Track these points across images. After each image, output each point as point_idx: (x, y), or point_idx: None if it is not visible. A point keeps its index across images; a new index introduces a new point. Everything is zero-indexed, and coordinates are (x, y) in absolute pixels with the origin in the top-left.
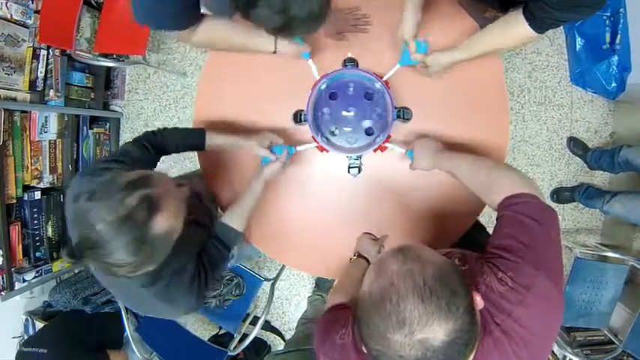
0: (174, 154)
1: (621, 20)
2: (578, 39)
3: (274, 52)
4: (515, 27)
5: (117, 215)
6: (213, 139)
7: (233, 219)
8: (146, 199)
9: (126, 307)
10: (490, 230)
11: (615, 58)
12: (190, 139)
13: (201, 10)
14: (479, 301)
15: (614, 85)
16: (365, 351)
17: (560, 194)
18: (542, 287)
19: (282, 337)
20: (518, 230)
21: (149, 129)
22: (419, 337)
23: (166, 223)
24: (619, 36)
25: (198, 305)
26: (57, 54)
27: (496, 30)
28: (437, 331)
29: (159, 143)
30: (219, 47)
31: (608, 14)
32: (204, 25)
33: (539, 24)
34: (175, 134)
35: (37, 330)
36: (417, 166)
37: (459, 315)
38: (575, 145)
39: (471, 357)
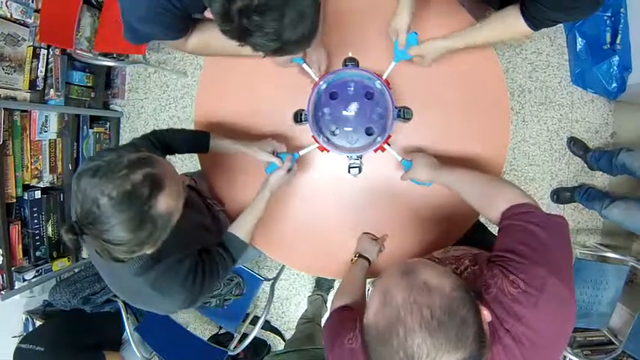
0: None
1: (622, 20)
2: (579, 39)
3: (264, 56)
4: (511, 22)
5: (121, 190)
6: (217, 143)
7: (239, 229)
8: (150, 177)
9: (126, 307)
10: (491, 229)
11: (616, 58)
12: (195, 140)
13: (197, 15)
14: (486, 315)
15: (614, 85)
16: None
17: (561, 194)
18: (554, 289)
19: (282, 337)
20: (525, 236)
21: (149, 128)
22: None
23: (168, 202)
24: (619, 36)
25: (190, 303)
26: (57, 53)
27: (493, 23)
28: None
29: (165, 141)
30: (213, 52)
31: (609, 14)
32: (197, 31)
33: (534, 22)
34: (181, 135)
35: (35, 327)
36: (412, 177)
37: (468, 343)
38: (576, 145)
39: None
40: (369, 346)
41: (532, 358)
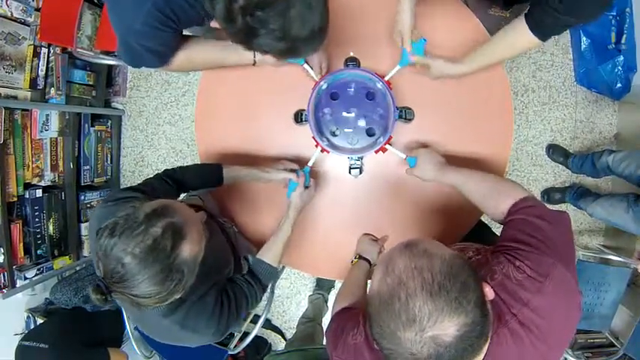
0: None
1: (627, 20)
2: (584, 38)
3: (254, 64)
4: (518, 37)
5: (143, 246)
6: (229, 173)
7: (266, 254)
8: (170, 227)
9: None
10: (493, 229)
11: (621, 58)
12: (208, 175)
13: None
14: (488, 292)
15: (619, 85)
16: (378, 348)
17: (551, 195)
18: (559, 276)
19: (283, 336)
20: (531, 228)
21: (150, 126)
22: (430, 334)
23: (192, 248)
24: (625, 36)
25: (219, 335)
26: (58, 52)
27: (500, 42)
28: (448, 327)
29: (178, 179)
30: (197, 67)
31: (614, 14)
32: (181, 50)
33: (543, 30)
34: (193, 171)
35: (37, 325)
36: (418, 175)
37: (469, 309)
38: (555, 152)
39: (485, 348)
40: (372, 317)
41: (539, 345)
